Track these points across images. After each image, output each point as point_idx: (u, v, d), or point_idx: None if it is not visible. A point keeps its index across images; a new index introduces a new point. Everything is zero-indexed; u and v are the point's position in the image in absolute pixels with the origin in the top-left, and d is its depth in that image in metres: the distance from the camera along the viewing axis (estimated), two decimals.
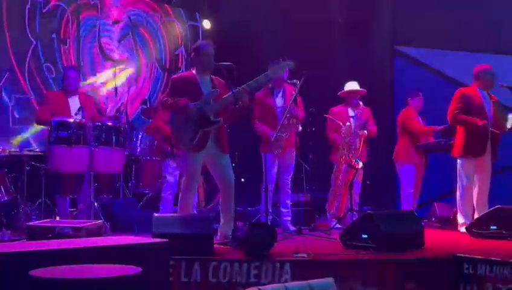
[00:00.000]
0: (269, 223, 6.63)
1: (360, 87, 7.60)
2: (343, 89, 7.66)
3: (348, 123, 7.29)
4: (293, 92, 6.84)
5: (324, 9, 10.01)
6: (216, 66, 5.76)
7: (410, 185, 8.00)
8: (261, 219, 6.80)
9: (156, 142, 7.85)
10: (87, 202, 6.36)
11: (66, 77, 7.13)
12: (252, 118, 7.03)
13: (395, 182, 8.38)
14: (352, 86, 7.61)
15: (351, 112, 7.52)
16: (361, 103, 7.39)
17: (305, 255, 4.85)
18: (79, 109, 6.79)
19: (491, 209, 6.44)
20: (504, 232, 6.04)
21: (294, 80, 6.83)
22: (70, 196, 6.71)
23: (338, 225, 6.97)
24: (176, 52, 10.83)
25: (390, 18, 9.94)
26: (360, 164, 7.09)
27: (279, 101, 7.06)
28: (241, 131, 7.37)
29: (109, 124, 6.60)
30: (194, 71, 5.81)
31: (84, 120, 6.49)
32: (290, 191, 7.14)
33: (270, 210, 6.92)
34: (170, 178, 7.35)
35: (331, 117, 7.43)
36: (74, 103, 6.98)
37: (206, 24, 10.91)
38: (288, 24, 10.12)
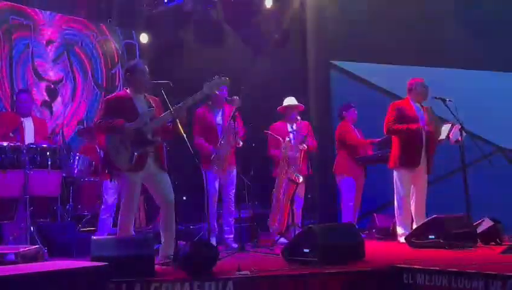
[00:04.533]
0: (212, 241, 6.64)
1: (298, 102, 7.70)
2: (281, 105, 7.74)
3: (287, 138, 7.36)
4: (232, 110, 6.89)
5: (261, 25, 10.09)
6: (153, 84, 5.71)
7: (350, 198, 8.08)
8: (204, 237, 6.77)
9: (93, 162, 7.74)
10: (23, 227, 6.19)
11: (18, 100, 7.15)
12: (193, 134, 7.03)
13: (337, 195, 8.46)
14: (290, 101, 7.71)
15: (289, 128, 7.60)
16: (299, 118, 7.49)
17: (247, 272, 4.83)
18: (14, 132, 6.65)
19: (428, 219, 6.58)
20: (442, 241, 6.15)
21: (234, 97, 6.87)
22: (6, 221, 6.51)
23: (282, 240, 6.99)
24: (113, 71, 10.71)
25: (324, 33, 10.07)
26: (301, 179, 7.16)
27: (219, 119, 7.10)
28: (181, 149, 7.33)
29: (44, 146, 6.47)
30: (128, 91, 5.72)
31: (18, 143, 6.36)
32: (233, 209, 7.13)
33: (215, 227, 6.95)
34: (109, 199, 7.29)
35: (270, 133, 7.49)
36: (28, 124, 7.00)
37: (144, 38, 10.84)
38: (226, 40, 10.16)
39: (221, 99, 7.04)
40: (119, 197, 7.20)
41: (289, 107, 7.66)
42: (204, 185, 6.89)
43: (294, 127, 7.56)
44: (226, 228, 7.13)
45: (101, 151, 7.50)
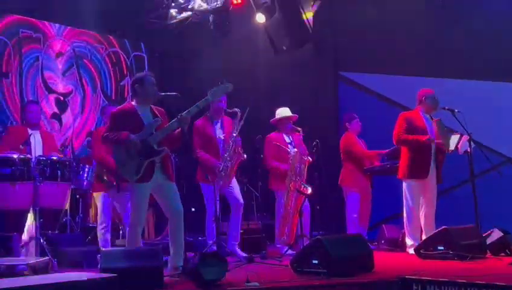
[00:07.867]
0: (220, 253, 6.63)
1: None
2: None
3: (294, 149, 7.36)
4: (232, 122, 6.90)
5: (268, 36, 10.09)
6: (161, 96, 5.74)
7: (355, 210, 8.06)
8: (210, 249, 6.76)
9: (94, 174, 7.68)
10: (33, 238, 6.21)
11: (28, 111, 7.19)
12: (193, 146, 6.97)
13: (344, 206, 8.44)
14: (284, 112, 7.68)
15: (286, 138, 7.58)
16: (300, 129, 7.46)
17: (256, 283, 4.83)
18: (24, 143, 6.68)
19: (437, 230, 6.56)
20: (451, 252, 6.15)
21: (235, 109, 6.88)
22: (15, 233, 6.53)
23: (290, 251, 6.98)
24: (122, 83, 10.77)
25: (333, 44, 10.08)
26: (309, 189, 7.14)
27: (218, 131, 7.08)
28: (188, 160, 7.33)
29: (54, 158, 6.49)
30: (133, 102, 5.76)
31: (28, 155, 6.38)
32: (240, 215, 7.06)
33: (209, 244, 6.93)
34: (105, 212, 7.14)
35: (278, 144, 7.47)
36: (36, 137, 6.95)
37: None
38: (233, 52, 10.17)
39: (220, 110, 7.05)
40: (114, 210, 7.16)
41: (284, 118, 7.65)
42: (205, 198, 6.92)
43: (291, 138, 7.56)
44: (231, 234, 7.07)
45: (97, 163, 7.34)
